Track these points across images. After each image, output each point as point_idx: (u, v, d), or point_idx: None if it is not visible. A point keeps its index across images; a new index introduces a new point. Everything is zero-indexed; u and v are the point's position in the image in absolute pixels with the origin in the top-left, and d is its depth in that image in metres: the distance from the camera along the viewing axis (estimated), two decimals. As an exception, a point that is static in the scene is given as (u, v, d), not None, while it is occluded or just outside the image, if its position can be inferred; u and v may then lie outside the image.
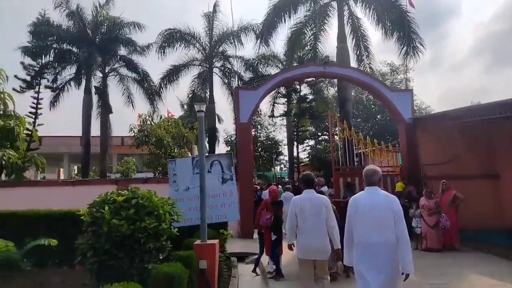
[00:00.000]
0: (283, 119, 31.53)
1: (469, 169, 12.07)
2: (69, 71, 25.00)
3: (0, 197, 10.23)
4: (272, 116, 29.41)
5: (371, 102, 35.13)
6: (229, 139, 34.00)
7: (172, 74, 24.35)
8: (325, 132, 36.05)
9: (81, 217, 4.80)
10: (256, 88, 12.60)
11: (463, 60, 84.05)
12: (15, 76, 22.52)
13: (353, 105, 23.22)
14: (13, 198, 9.90)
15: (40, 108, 20.83)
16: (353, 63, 17.25)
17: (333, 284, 6.19)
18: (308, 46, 18.96)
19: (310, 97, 27.52)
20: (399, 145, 13.68)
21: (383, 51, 67.33)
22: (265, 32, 17.21)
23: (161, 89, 24.33)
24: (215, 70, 25.29)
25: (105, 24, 24.59)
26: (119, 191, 4.84)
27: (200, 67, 25.19)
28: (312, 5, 18.11)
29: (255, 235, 11.27)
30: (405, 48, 16.24)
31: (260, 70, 24.90)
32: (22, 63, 22.50)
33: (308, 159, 32.40)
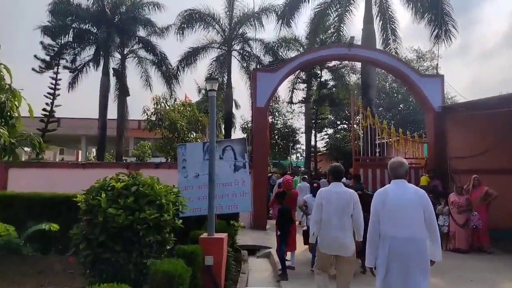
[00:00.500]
0: (301, 106, 30.68)
1: (501, 163, 11.23)
2: (88, 52, 24.86)
3: (9, 178, 10.02)
4: (290, 102, 28.52)
5: (394, 91, 34.02)
6: (246, 126, 33.46)
7: (190, 57, 23.78)
8: (344, 121, 35.06)
9: (78, 204, 4.36)
10: (275, 70, 11.92)
11: (493, 48, 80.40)
12: (35, 56, 22.59)
13: (375, 93, 22.27)
14: (21, 179, 9.67)
15: (59, 89, 20.88)
16: (379, 47, 16.29)
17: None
18: (332, 29, 18.07)
19: (331, 83, 26.48)
20: (426, 135, 12.86)
21: (410, 37, 64.93)
22: (287, 13, 16.40)
23: (179, 72, 23.81)
24: (234, 53, 24.60)
25: (124, 4, 24.19)
26: (119, 177, 4.36)
27: (218, 50, 24.56)
28: (338, -17, 17.15)
29: (268, 226, 10.87)
30: (436, 31, 15.22)
31: (280, 54, 23.98)
32: (41, 42, 22.58)
33: (326, 149, 31.58)
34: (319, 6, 17.08)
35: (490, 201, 8.86)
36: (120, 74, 25.25)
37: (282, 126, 35.63)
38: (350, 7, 16.61)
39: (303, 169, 24.23)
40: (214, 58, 24.42)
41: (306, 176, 12.15)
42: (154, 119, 13.91)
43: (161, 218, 4.16)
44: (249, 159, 11.15)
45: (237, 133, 33.76)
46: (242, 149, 6.86)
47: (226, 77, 24.32)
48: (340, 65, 26.49)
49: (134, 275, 3.97)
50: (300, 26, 73.55)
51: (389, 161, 4.02)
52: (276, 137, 34.39)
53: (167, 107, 15.38)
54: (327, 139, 32.32)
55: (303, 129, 31.22)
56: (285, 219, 6.70)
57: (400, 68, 11.97)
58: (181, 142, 10.93)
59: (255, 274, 6.69)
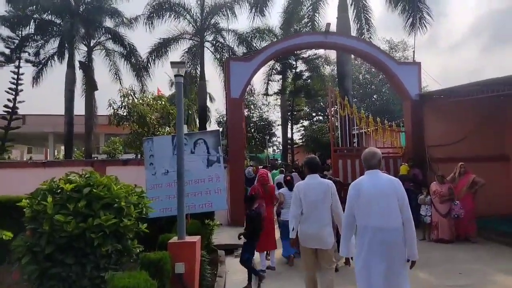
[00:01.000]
0: (277, 98, 30.30)
1: (479, 151, 11.16)
2: (53, 45, 23.55)
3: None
4: (266, 94, 28.07)
5: (367, 82, 34.13)
6: (221, 120, 32.80)
7: (161, 48, 22.88)
8: (320, 113, 34.95)
9: (24, 209, 3.72)
10: (249, 59, 11.34)
11: (461, 39, 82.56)
12: (-8, 49, 21.15)
13: (350, 84, 22.08)
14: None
15: (21, 84, 19.62)
16: (353, 36, 16.00)
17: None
18: (306, 18, 17.65)
19: (306, 74, 26.20)
20: (403, 124, 12.67)
21: (381, 29, 65.63)
22: (260, 1, 15.79)
23: (149, 65, 22.90)
24: (207, 44, 23.87)
25: (89, -7, 22.97)
26: (69, 177, 3.74)
27: (190, 41, 23.75)
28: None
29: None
30: (411, 19, 15.06)
31: (254, 44, 23.44)
32: (-1, 34, 21.21)
33: (302, 140, 31.36)
34: (293, -6, 16.60)
35: (477, 189, 8.63)
36: (87, 67, 24.07)
37: (258, 119, 35.19)
38: (323, -4, 16.22)
39: (280, 161, 23.85)
40: (186, 50, 23.67)
41: (283, 169, 11.68)
42: (122, 113, 13.04)
43: (120, 223, 3.58)
44: (225, 153, 10.63)
45: (213, 127, 32.98)
46: (215, 142, 6.30)
47: (199, 69, 23.61)
48: (315, 56, 26.23)
49: (90, 292, 3.39)
50: (274, 16, 72.93)
51: (362, 154, 3.95)
52: (252, 130, 33.92)
53: (136, 100, 14.48)
54: (304, 131, 32.10)
55: (279, 122, 30.92)
56: (254, 226, 5.90)
57: (377, 56, 11.65)
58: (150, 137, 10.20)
59: (233, 276, 6.18)
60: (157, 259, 3.90)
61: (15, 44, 22.21)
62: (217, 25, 23.41)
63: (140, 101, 14.46)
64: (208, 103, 31.96)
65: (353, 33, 16.34)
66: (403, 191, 3.62)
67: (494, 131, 11.61)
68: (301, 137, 32.42)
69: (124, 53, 23.94)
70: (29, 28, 22.44)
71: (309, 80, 26.33)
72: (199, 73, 23.49)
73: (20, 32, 22.49)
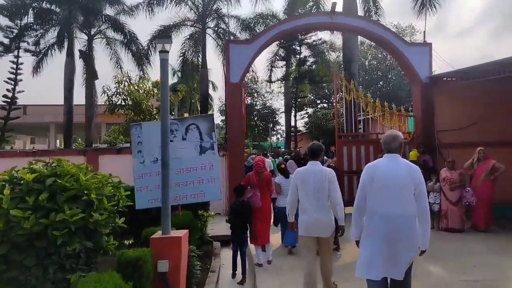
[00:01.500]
0: (280, 86, 29.67)
1: (490, 136, 10.57)
2: (53, 34, 23.12)
3: None
4: (269, 81, 27.44)
5: (373, 67, 33.34)
6: (224, 108, 32.27)
7: (162, 36, 22.34)
8: (324, 100, 34.27)
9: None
10: (250, 42, 10.75)
11: (470, 25, 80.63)
12: (-9, 39, 20.82)
13: (356, 69, 21.40)
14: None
15: (20, 74, 19.29)
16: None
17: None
18: (311, 2, 16.95)
19: (311, 60, 25.49)
20: (412, 108, 12.08)
21: (390, 15, 64.27)
22: (262, -16, 15.07)
23: (150, 52, 22.42)
24: (209, 31, 23.25)
25: (88, -20, 22.38)
26: (32, 166, 3.29)
27: (192, 27, 23.15)
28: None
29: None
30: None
31: (257, 30, 22.77)
32: (-3, 23, 20.82)
33: (306, 128, 30.80)
34: (298, -25, 15.86)
35: (497, 175, 8.00)
36: (87, 55, 23.61)
37: (261, 107, 34.63)
38: (330, -24, 15.41)
39: (283, 149, 23.38)
40: (188, 36, 23.05)
41: (288, 157, 11.19)
42: (116, 100, 12.52)
43: (91, 218, 3.13)
44: (224, 140, 10.17)
45: (215, 116, 32.53)
46: (209, 127, 5.80)
47: (200, 57, 23.07)
48: (320, 41, 25.52)
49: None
50: (278, 1, 71.46)
51: (382, 136, 3.77)
52: (256, 118, 33.42)
53: (131, 87, 13.93)
54: (308, 118, 31.53)
55: (282, 109, 30.35)
56: (239, 219, 5.57)
57: (386, 36, 10.98)
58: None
59: (228, 270, 5.74)
60: (136, 257, 3.46)
61: (14, 34, 21.84)
62: (219, 10, 22.78)
63: (135, 87, 13.90)
64: (211, 92, 31.50)
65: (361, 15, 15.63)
66: (421, 179, 3.45)
67: (506, 115, 11.02)
68: (304, 124, 31.89)
69: (125, 41, 23.42)
70: (28, 17, 21.98)
71: (313, 66, 25.63)
72: (200, 60, 22.94)
73: (19, 21, 22.10)
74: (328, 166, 6.15)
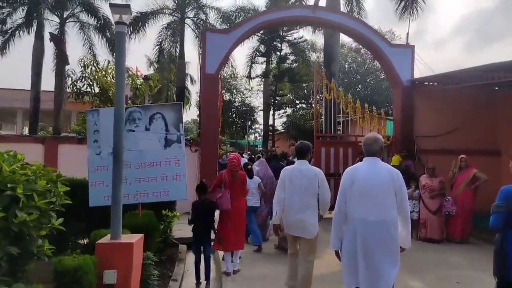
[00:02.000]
0: (260, 83, 29.21)
1: (469, 144, 10.45)
2: (22, 14, 21.82)
3: None
4: (248, 77, 26.90)
5: (352, 70, 33.33)
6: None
7: (138, 23, 21.43)
8: (303, 101, 34.05)
9: None
10: (228, 31, 10.16)
11: (446, 36, 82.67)
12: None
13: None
14: None
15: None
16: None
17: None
18: (294, -2, 16.54)
19: (292, 58, 25.11)
20: (392, 112, 11.82)
21: (371, 21, 64.73)
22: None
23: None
24: (188, 21, 22.52)
25: (60, -42, 21.17)
26: None
27: (170, 16, 22.34)
28: None
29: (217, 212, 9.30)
30: (403, 2, 14.16)
31: (238, 24, 22.26)
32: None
33: (284, 127, 30.46)
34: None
35: (478, 185, 7.66)
36: (59, 39, 22.37)
37: (240, 104, 34.04)
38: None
39: (260, 148, 22.93)
40: (165, 25, 22.21)
41: (260, 155, 10.69)
42: (82, 85, 11.57)
43: (14, 218, 2.51)
44: (197, 135, 9.56)
45: (192, 111, 31.72)
46: (176, 118, 5.20)
47: (178, 48, 22.28)
48: (301, 39, 25.19)
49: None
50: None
51: (363, 138, 3.67)
52: (234, 115, 32.83)
53: (98, 72, 12.99)
54: (286, 118, 31.21)
55: (261, 107, 29.89)
56: (201, 219, 5.08)
57: (368, 35, 10.65)
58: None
59: (192, 278, 5.17)
60: (75, 266, 2.86)
61: (-25, 10, 20.39)
62: (199, 0, 22.08)
63: (102, 72, 12.95)
64: (189, 86, 30.67)
65: (343, 14, 15.32)
66: (402, 185, 3.33)
67: (486, 123, 10.94)
68: (282, 124, 31.57)
69: (99, 26, 22.32)
70: (-8, -8, 20.72)
71: (294, 65, 25.27)
72: (178, 51, 22.16)
73: (-19, -3, 20.65)
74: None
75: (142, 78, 12.68)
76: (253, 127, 37.07)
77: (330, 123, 11.20)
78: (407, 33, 11.55)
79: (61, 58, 22.39)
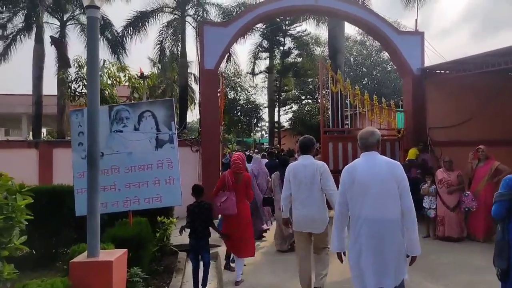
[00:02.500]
0: (264, 80, 28.69)
1: (485, 134, 9.86)
2: (21, 18, 21.75)
3: None
4: (252, 73, 26.42)
5: (358, 63, 32.66)
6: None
7: (138, 22, 21.12)
8: (309, 96, 33.49)
9: None
10: (227, 24, 9.67)
11: (451, 25, 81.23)
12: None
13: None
14: None
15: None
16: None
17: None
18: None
19: (295, 52, 24.56)
20: (402, 104, 11.26)
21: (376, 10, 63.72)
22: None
23: (125, 40, 21.23)
24: (188, 19, 22.13)
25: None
26: None
27: (171, 15, 21.99)
28: None
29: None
30: (410, -12, 13.61)
31: (239, 20, 21.77)
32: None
33: (289, 123, 29.95)
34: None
35: (500, 179, 7.11)
36: (60, 42, 22.21)
37: (245, 101, 33.60)
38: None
39: (266, 145, 22.49)
40: (165, 23, 21.83)
41: (265, 153, 10.25)
42: (77, 86, 11.15)
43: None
44: (198, 133, 9.12)
45: (197, 111, 31.24)
46: (167, 116, 4.75)
47: (180, 46, 21.91)
48: (305, 32, 24.61)
49: None
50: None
51: (358, 133, 3.51)
52: (239, 113, 32.42)
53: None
54: (292, 114, 30.71)
55: (266, 104, 29.43)
56: (197, 222, 4.65)
57: (374, 23, 10.10)
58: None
59: (191, 290, 4.73)
60: (40, 291, 2.43)
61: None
62: (200, -3, 21.68)
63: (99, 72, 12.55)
64: (194, 85, 30.28)
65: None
66: (403, 176, 3.11)
67: (503, 111, 10.33)
68: (288, 120, 31.09)
69: (99, 28, 22.12)
70: (-8, -2, 20.63)
71: (298, 59, 24.73)
72: (180, 50, 21.80)
73: (-18, 3, 20.59)
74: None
75: (139, 77, 12.22)
76: (259, 124, 36.64)
77: (337, 117, 10.69)
78: (416, 20, 11.02)
79: (63, 62, 22.21)
